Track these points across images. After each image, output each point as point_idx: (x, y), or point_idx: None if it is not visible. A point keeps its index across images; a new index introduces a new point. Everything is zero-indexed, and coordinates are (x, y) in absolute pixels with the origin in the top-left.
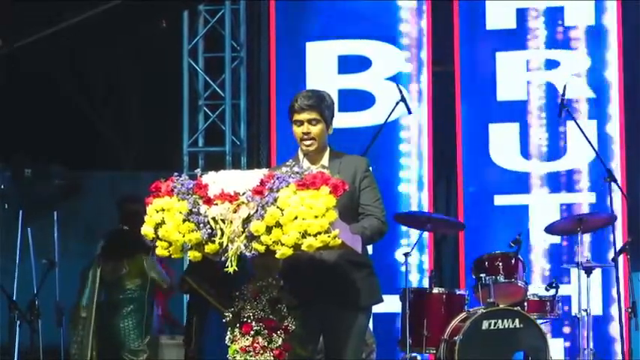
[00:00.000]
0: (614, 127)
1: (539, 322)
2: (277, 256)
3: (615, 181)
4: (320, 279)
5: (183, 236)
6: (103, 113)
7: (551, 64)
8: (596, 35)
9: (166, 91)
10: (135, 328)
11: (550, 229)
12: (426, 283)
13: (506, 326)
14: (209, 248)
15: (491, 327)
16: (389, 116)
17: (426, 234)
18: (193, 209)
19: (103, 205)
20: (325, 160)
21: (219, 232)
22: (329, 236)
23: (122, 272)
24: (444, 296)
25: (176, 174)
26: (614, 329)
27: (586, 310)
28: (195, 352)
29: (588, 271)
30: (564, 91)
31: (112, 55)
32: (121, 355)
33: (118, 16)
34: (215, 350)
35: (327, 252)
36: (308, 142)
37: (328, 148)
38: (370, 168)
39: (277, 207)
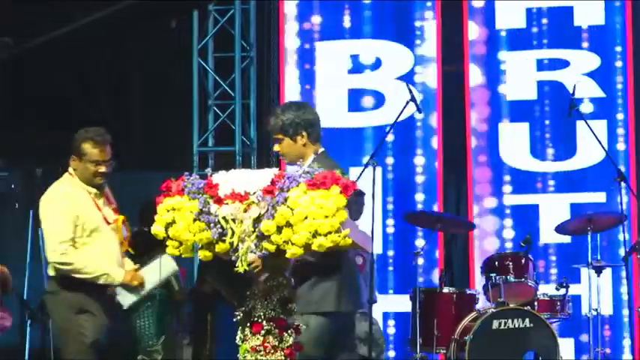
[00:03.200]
0: (623, 127)
1: (549, 321)
2: (288, 255)
3: (625, 180)
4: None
5: (194, 236)
6: (111, 113)
7: (561, 64)
8: (605, 35)
9: (176, 90)
10: (150, 327)
11: (560, 229)
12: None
13: (517, 326)
14: (219, 248)
15: (502, 326)
16: (399, 116)
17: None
18: (204, 209)
19: None
20: (305, 167)
21: (229, 232)
22: (339, 236)
23: None
24: (455, 296)
25: (186, 173)
26: (624, 328)
27: (596, 310)
28: (211, 354)
29: (598, 271)
30: (574, 90)
31: (121, 55)
32: (135, 354)
33: (128, 16)
34: (225, 351)
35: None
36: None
37: (312, 155)
38: None
39: (288, 207)
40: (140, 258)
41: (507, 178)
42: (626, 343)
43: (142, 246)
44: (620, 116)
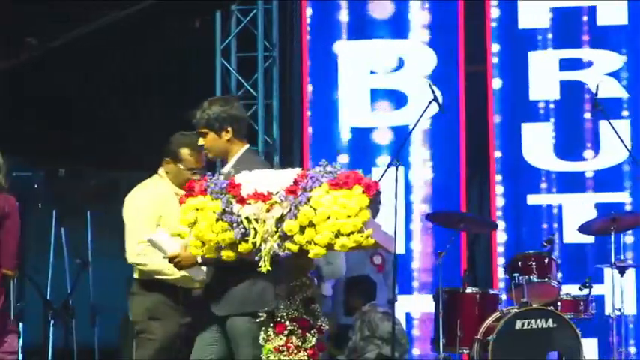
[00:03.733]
0: None
1: (572, 321)
2: (310, 255)
3: None
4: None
5: (217, 236)
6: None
7: (584, 64)
8: (629, 34)
9: (198, 91)
10: None
11: (583, 229)
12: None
13: (540, 326)
14: (242, 248)
15: (525, 326)
16: (421, 116)
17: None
18: (226, 209)
19: None
20: (230, 164)
21: (252, 232)
22: (362, 236)
23: None
24: (478, 296)
25: (209, 173)
26: None
27: (620, 310)
28: None
29: (622, 271)
30: (597, 90)
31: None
32: None
33: (150, 15)
34: None
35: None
36: (206, 152)
37: (238, 152)
38: None
39: (310, 207)
40: None
41: (530, 178)
42: None
43: None
44: None
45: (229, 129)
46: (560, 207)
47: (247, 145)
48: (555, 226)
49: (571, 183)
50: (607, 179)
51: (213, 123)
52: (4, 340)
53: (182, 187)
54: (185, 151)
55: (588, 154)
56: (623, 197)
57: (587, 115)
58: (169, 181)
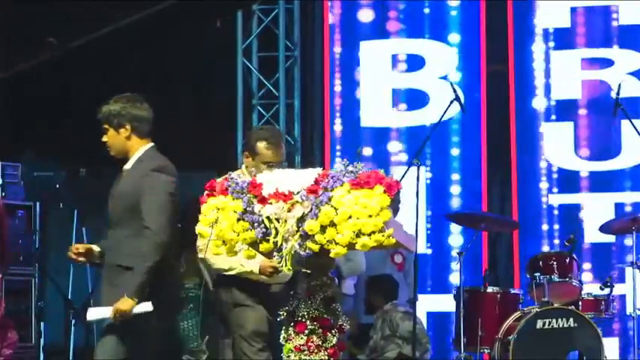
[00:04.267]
0: None
1: (593, 321)
2: (332, 255)
3: None
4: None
5: (238, 235)
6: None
7: (606, 63)
8: None
9: (220, 90)
10: (194, 327)
11: (604, 229)
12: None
13: (561, 325)
14: (263, 247)
15: (546, 326)
16: (443, 115)
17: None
18: (248, 208)
19: None
20: (131, 162)
21: (273, 231)
22: (383, 235)
23: (180, 271)
24: (499, 295)
25: (230, 173)
26: None
27: None
28: None
29: None
30: (619, 89)
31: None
32: (180, 355)
33: (171, 16)
34: None
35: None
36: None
37: (139, 151)
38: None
39: (331, 206)
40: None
41: (552, 177)
42: None
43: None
44: None
45: (128, 126)
46: (581, 206)
47: (151, 144)
48: (577, 225)
49: (593, 182)
50: (628, 179)
51: (111, 120)
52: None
53: None
54: (261, 145)
55: (610, 153)
56: None
57: (609, 115)
58: (248, 175)
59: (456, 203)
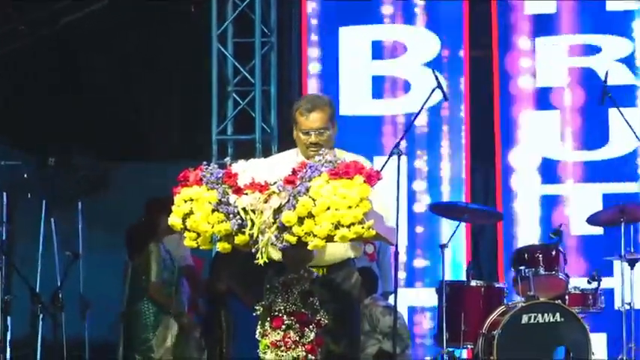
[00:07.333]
0: None
1: (580, 316)
2: (309, 247)
3: None
4: None
5: (213, 227)
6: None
7: (593, 50)
8: (639, 20)
9: (194, 78)
10: (149, 314)
11: (592, 220)
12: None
13: (547, 320)
14: (239, 239)
15: (531, 321)
16: (424, 103)
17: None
18: (223, 199)
19: (129, 197)
20: None
21: (249, 223)
22: (363, 227)
23: (139, 265)
24: (482, 289)
25: (205, 163)
26: None
27: (629, 304)
28: (227, 351)
29: (632, 264)
30: (606, 77)
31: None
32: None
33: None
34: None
35: None
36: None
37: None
38: None
39: (309, 197)
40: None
41: (537, 167)
42: None
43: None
44: None
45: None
46: (567, 197)
47: None
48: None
49: (579, 172)
50: (616, 169)
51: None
52: None
53: (306, 155)
54: (297, 114)
55: (597, 142)
56: (633, 187)
57: (596, 103)
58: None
59: (436, 194)
